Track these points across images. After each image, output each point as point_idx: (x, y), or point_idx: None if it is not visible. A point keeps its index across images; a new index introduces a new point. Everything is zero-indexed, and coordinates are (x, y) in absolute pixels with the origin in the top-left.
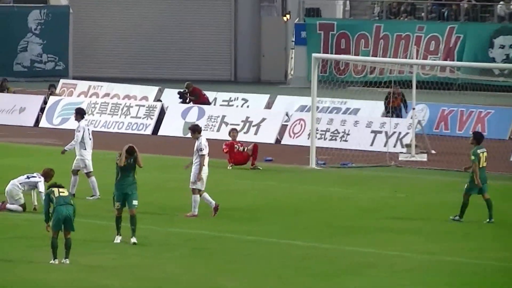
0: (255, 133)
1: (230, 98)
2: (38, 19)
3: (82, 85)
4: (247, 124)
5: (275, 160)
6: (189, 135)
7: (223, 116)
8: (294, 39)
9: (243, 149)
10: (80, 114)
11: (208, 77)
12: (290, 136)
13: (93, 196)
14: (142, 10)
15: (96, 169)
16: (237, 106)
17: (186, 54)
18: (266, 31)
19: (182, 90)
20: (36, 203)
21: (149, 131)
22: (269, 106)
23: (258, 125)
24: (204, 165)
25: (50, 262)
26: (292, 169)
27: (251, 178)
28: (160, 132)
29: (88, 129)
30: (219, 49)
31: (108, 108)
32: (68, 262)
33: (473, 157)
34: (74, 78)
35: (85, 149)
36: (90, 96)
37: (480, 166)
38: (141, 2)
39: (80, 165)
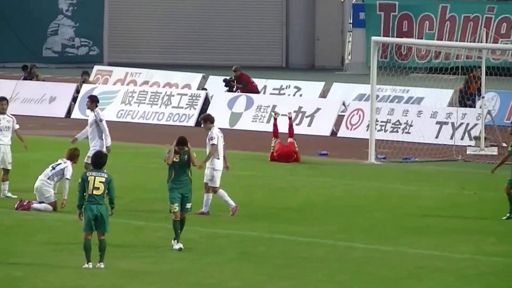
0: (309, 125)
1: (281, 86)
2: (70, 0)
3: (118, 71)
4: (300, 115)
5: (331, 154)
6: (237, 126)
7: (274, 106)
8: (351, 21)
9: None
10: (95, 102)
11: (257, 63)
12: (347, 128)
13: None
14: None
15: (127, 163)
16: (288, 94)
17: (233, 37)
18: (321, 12)
19: (228, 78)
20: (65, 197)
21: (192, 122)
22: (324, 94)
23: (311, 116)
24: (218, 158)
25: (83, 266)
26: (349, 164)
27: (305, 174)
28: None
29: None
30: (269, 32)
31: (147, 97)
32: (102, 266)
33: (510, 148)
34: (109, 64)
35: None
36: (127, 84)
37: None
38: None
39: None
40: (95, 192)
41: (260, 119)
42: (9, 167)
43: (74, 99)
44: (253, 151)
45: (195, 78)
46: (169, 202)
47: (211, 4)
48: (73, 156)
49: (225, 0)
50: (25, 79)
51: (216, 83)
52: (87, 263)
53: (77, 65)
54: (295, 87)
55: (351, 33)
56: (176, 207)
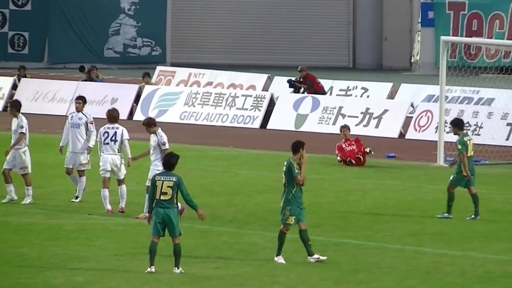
0: (376, 126)
1: (348, 87)
2: None
3: (182, 72)
4: (367, 116)
5: (399, 156)
6: (304, 127)
7: (340, 108)
8: (420, 20)
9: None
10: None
11: (323, 64)
12: (416, 130)
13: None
14: None
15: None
16: (355, 95)
17: (298, 37)
18: (389, 11)
19: (293, 79)
20: (129, 156)
21: (257, 124)
22: (391, 95)
23: (379, 118)
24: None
25: (146, 271)
26: (418, 166)
27: (372, 177)
28: (269, 126)
29: None
30: (336, 31)
31: (211, 98)
32: (177, 271)
33: (460, 146)
34: (172, 64)
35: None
36: (191, 85)
37: (468, 155)
38: None
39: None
40: (162, 197)
41: (326, 121)
42: (20, 172)
43: (136, 100)
44: (319, 154)
45: (260, 79)
46: (288, 214)
47: (277, 3)
48: (110, 117)
49: (289, 4)
50: (85, 80)
51: (281, 84)
52: (150, 267)
53: (139, 66)
54: (363, 88)
55: (419, 32)
56: (293, 219)
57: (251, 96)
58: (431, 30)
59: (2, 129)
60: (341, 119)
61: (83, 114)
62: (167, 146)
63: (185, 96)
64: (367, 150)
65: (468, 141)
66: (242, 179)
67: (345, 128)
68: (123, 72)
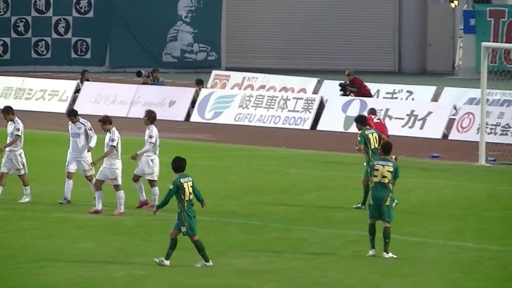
0: (421, 128)
1: (394, 90)
2: (189, 6)
3: (236, 76)
4: (412, 118)
5: (442, 156)
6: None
7: (387, 110)
8: (462, 27)
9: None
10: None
11: (370, 68)
12: (458, 131)
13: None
14: None
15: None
16: (401, 98)
17: (346, 43)
18: (433, 18)
19: (343, 82)
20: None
21: (307, 125)
22: (435, 98)
23: (423, 119)
24: (118, 158)
25: (157, 261)
26: (460, 166)
27: (416, 176)
28: (319, 127)
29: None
30: (382, 37)
31: (264, 101)
32: (199, 265)
33: (359, 138)
34: (227, 69)
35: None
36: (245, 89)
37: (372, 147)
38: None
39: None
40: (191, 197)
41: None
42: (17, 173)
43: (193, 103)
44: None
45: (310, 82)
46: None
47: (326, 10)
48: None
49: (339, 7)
50: (144, 83)
51: (330, 87)
52: (166, 260)
53: (195, 70)
54: (408, 91)
55: (461, 39)
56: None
57: (302, 99)
58: (472, 37)
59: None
60: (388, 121)
61: (81, 123)
62: (114, 143)
63: (239, 99)
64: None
65: (370, 134)
66: (293, 178)
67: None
68: (180, 76)
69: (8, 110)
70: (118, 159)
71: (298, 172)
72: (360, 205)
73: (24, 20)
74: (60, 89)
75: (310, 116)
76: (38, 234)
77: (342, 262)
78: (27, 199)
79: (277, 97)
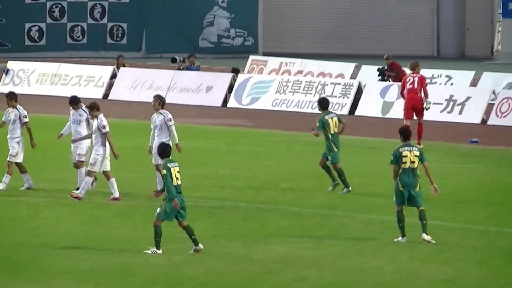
0: (459, 113)
1: (433, 75)
2: None
3: (273, 61)
4: (451, 103)
5: (481, 141)
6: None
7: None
8: (501, 11)
9: None
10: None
11: (408, 53)
12: (497, 116)
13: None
14: None
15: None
16: (440, 83)
17: (385, 28)
18: (471, 2)
19: (381, 67)
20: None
21: (345, 111)
22: (474, 83)
23: (462, 104)
24: (104, 145)
25: (148, 252)
26: (500, 151)
27: (456, 161)
28: (357, 112)
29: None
30: (420, 22)
31: (301, 86)
32: (200, 247)
33: (318, 124)
34: (264, 54)
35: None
36: (282, 74)
37: (332, 132)
38: None
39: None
40: (179, 182)
41: None
42: (11, 160)
43: (230, 89)
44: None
45: (348, 67)
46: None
47: None
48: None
49: None
50: (179, 69)
51: (368, 72)
52: (157, 249)
53: (232, 55)
54: (446, 76)
55: (500, 23)
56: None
57: (339, 84)
58: (511, 21)
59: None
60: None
61: (83, 110)
62: (107, 129)
63: (276, 84)
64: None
65: (329, 119)
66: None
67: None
68: (217, 62)
69: (12, 96)
70: (104, 146)
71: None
72: (347, 189)
73: (59, 6)
74: (96, 75)
75: (348, 102)
76: (78, 220)
77: (382, 248)
78: (2, 187)
79: (315, 82)
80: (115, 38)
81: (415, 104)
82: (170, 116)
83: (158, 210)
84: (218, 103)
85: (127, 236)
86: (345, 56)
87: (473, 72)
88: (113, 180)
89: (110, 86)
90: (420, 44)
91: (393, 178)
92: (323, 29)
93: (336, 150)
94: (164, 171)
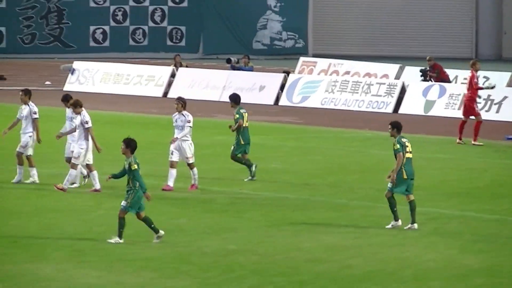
0: (497, 111)
1: None
2: None
3: (322, 63)
4: (489, 102)
5: None
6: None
7: (464, 94)
8: None
9: None
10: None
11: (448, 55)
12: None
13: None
14: None
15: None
16: (478, 84)
17: (426, 31)
18: (508, 7)
19: (424, 68)
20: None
21: (389, 109)
22: (511, 84)
23: (499, 103)
24: (88, 139)
25: (111, 241)
26: None
27: (492, 156)
28: (401, 110)
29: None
30: (460, 26)
31: (349, 86)
32: (159, 235)
33: (238, 116)
34: (314, 56)
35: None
36: (330, 74)
37: (245, 125)
38: None
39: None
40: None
41: (452, 106)
42: (23, 152)
43: (282, 88)
44: (445, 136)
45: (392, 68)
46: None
47: (406, 2)
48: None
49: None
50: (234, 68)
51: (411, 73)
52: (120, 239)
53: (284, 57)
54: (484, 76)
55: None
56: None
57: (384, 84)
58: None
59: (162, 113)
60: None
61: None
62: (89, 124)
63: (325, 84)
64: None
65: (244, 113)
66: (375, 159)
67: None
68: (270, 63)
69: (27, 92)
70: (87, 140)
71: (379, 153)
72: (250, 177)
73: (122, 9)
74: (156, 75)
75: (392, 100)
76: None
77: (422, 238)
78: (32, 180)
79: (361, 82)
80: (174, 40)
81: (464, 101)
82: (190, 118)
83: (124, 203)
84: (271, 101)
85: (182, 226)
86: (389, 58)
87: (509, 73)
88: (95, 172)
89: (169, 84)
90: (460, 46)
91: (398, 166)
92: (369, 32)
93: (243, 142)
94: (135, 166)
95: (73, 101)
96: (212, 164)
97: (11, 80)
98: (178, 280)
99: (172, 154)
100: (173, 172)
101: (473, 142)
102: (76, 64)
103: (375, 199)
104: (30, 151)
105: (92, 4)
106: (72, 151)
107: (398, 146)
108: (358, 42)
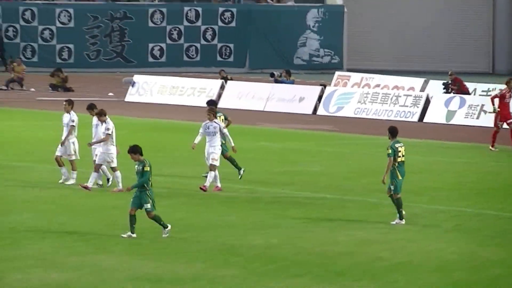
0: None
1: (488, 88)
2: (316, 17)
3: (355, 77)
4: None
5: None
6: (452, 121)
7: (482, 105)
8: None
9: None
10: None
11: (467, 70)
12: None
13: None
14: (409, 10)
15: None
16: None
17: (448, 48)
18: None
19: (446, 81)
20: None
21: (415, 118)
22: None
23: None
24: (113, 144)
25: (124, 236)
26: None
27: (506, 160)
28: (425, 119)
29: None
30: (478, 43)
31: (379, 97)
32: (168, 229)
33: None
34: (348, 70)
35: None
36: (363, 87)
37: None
38: (408, 2)
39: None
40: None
41: (471, 115)
42: (68, 158)
43: (320, 99)
44: (465, 142)
45: (418, 82)
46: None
47: (430, 21)
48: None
49: (441, 19)
50: (277, 82)
51: (435, 86)
52: (132, 234)
53: (321, 71)
54: (500, 89)
55: None
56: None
57: (411, 95)
58: None
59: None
60: (483, 115)
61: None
62: (109, 132)
63: (358, 95)
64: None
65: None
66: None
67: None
68: (309, 77)
69: (70, 103)
70: (113, 145)
71: (407, 158)
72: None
73: (177, 29)
74: (207, 87)
75: (418, 110)
76: (189, 209)
77: (444, 234)
78: (72, 182)
79: (390, 94)
80: (223, 56)
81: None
82: (223, 125)
83: (148, 206)
84: (309, 111)
85: (231, 222)
86: (415, 72)
87: None
88: (118, 173)
89: (219, 96)
90: (478, 62)
91: (387, 168)
92: (397, 49)
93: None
94: (148, 168)
95: (98, 111)
96: (257, 167)
97: (78, 92)
98: (227, 269)
99: (207, 158)
100: (212, 173)
101: (490, 148)
102: (136, 78)
103: (403, 199)
104: (74, 156)
105: (150, 24)
106: (97, 155)
107: (390, 151)
108: (387, 58)
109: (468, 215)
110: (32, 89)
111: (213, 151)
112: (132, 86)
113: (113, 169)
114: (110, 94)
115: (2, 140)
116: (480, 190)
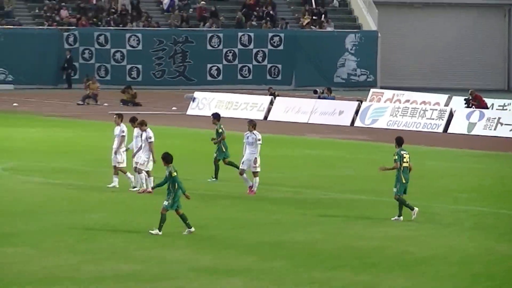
0: None
1: (505, 103)
2: (353, 41)
3: (388, 93)
4: None
5: None
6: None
7: (499, 118)
8: None
9: None
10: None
11: (486, 87)
12: None
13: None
14: (434, 33)
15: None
16: (510, 110)
17: (468, 67)
18: None
19: (467, 98)
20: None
21: (440, 129)
22: None
23: None
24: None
25: (152, 232)
26: None
27: None
28: (449, 130)
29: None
30: (494, 62)
31: (408, 111)
32: (190, 230)
33: (221, 130)
34: (381, 87)
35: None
36: (394, 102)
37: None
38: (434, 26)
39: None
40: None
41: (490, 127)
42: (120, 166)
43: (357, 112)
44: (483, 150)
45: (443, 97)
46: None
47: (452, 41)
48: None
49: (462, 40)
50: (319, 98)
51: (457, 101)
52: (160, 230)
53: (358, 88)
54: None
55: None
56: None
57: (436, 109)
58: None
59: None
60: (499, 127)
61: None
62: (152, 140)
63: (390, 109)
64: None
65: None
66: (428, 168)
67: None
68: (347, 93)
69: (119, 116)
70: (150, 152)
71: (432, 164)
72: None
73: (232, 51)
74: (258, 102)
75: (443, 123)
76: (240, 209)
77: (465, 231)
78: (113, 184)
79: (418, 108)
80: (272, 75)
81: None
82: (259, 136)
83: (165, 203)
84: (348, 123)
85: (278, 220)
86: (440, 89)
87: None
88: (151, 178)
89: (268, 110)
90: (494, 79)
91: (392, 168)
92: (424, 68)
93: (224, 150)
94: (175, 173)
95: (139, 121)
96: (302, 172)
97: (146, 106)
98: (275, 262)
99: (242, 163)
100: (257, 179)
101: None
102: (196, 94)
103: (428, 199)
104: (123, 164)
105: (209, 47)
106: (137, 162)
107: (396, 157)
108: (416, 77)
109: (486, 214)
110: (106, 104)
111: (255, 158)
112: (193, 101)
113: (148, 174)
114: (174, 108)
115: (80, 148)
116: (497, 192)
